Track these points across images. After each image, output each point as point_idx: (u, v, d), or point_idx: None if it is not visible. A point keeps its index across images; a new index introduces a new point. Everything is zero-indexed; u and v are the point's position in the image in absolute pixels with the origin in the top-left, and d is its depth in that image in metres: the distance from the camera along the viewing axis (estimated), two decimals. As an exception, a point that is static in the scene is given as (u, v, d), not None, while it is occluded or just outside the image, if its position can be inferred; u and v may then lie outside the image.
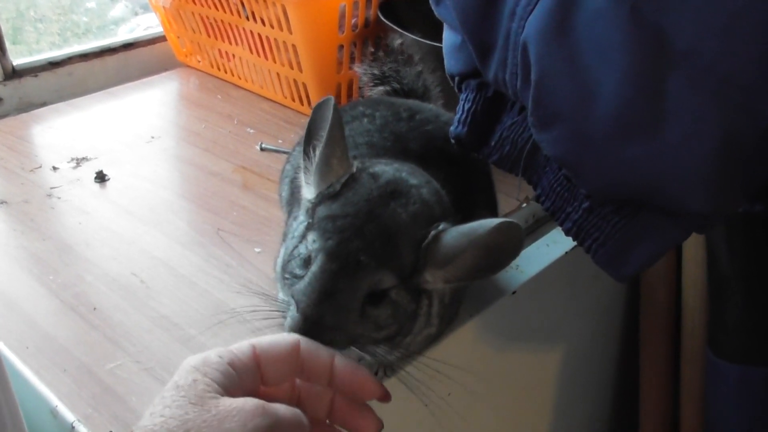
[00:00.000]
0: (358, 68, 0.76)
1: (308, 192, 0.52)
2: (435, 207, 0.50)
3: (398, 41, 0.75)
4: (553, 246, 0.76)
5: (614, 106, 0.44)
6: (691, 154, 0.44)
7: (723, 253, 0.79)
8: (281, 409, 0.40)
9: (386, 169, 0.51)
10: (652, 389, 0.96)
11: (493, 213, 0.67)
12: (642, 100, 0.44)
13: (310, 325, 0.46)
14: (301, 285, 0.47)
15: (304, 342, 0.43)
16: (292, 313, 0.47)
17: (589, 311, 0.89)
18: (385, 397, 0.45)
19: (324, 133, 0.50)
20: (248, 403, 0.39)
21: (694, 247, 0.85)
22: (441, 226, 0.48)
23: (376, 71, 0.76)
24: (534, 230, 0.80)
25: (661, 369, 0.94)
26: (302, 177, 0.53)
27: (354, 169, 0.51)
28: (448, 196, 0.54)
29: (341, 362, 0.44)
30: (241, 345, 0.42)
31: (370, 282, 0.46)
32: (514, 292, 0.70)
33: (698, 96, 0.43)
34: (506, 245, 0.47)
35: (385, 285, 0.47)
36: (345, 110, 0.65)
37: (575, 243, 0.54)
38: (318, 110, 0.51)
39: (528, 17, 0.46)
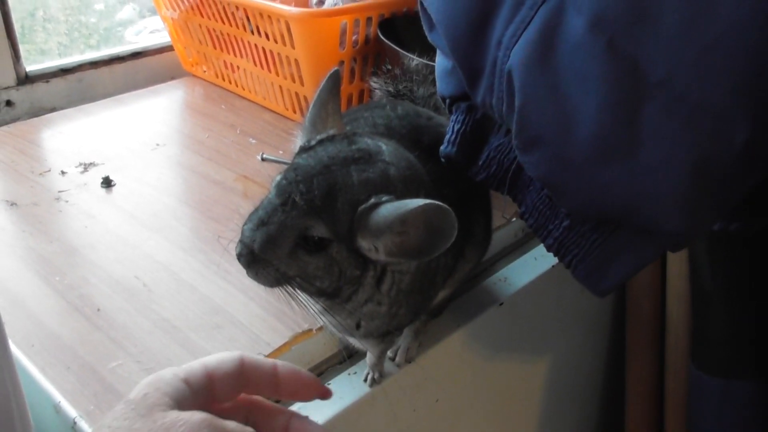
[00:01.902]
0: (373, 83, 0.78)
1: (294, 146, 0.56)
2: (394, 184, 0.50)
3: (414, 62, 0.78)
4: (540, 259, 0.79)
5: (592, 132, 0.47)
6: (666, 178, 0.47)
7: (705, 267, 0.81)
8: (230, 425, 0.41)
9: (368, 140, 0.53)
10: (637, 401, 0.98)
11: (488, 219, 0.68)
12: (618, 126, 0.47)
13: (245, 249, 0.50)
14: (257, 209, 0.51)
15: (247, 356, 0.46)
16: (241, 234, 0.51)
17: (575, 323, 0.92)
18: (327, 393, 0.48)
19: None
20: (196, 415, 0.40)
21: (678, 262, 0.87)
22: (384, 198, 0.49)
23: (390, 88, 0.78)
24: (523, 244, 0.83)
25: (646, 381, 0.96)
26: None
27: (335, 132, 0.54)
28: (446, 193, 0.55)
29: (283, 367, 0.46)
30: (191, 364, 0.44)
31: (300, 224, 0.49)
32: (501, 304, 0.73)
33: (672, 123, 0.46)
34: (439, 226, 0.47)
35: (315, 232, 0.49)
36: (371, 103, 0.67)
37: (559, 258, 0.57)
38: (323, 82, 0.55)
39: (513, 47, 0.49)
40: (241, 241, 0.51)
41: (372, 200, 0.49)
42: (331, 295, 0.52)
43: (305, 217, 0.49)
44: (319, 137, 0.53)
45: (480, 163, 0.58)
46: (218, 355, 0.45)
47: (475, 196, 0.66)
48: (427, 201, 0.46)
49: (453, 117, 0.59)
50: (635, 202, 0.49)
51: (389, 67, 0.79)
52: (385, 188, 0.50)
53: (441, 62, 0.60)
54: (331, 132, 0.54)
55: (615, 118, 0.47)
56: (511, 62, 0.49)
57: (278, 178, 0.52)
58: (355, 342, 0.61)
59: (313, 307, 0.55)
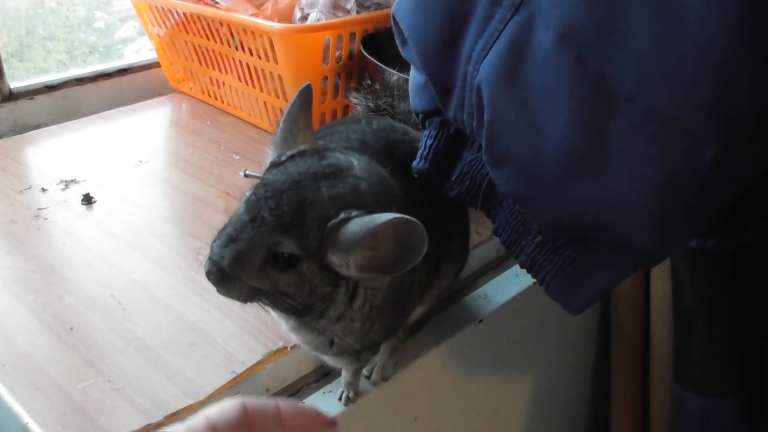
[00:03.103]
0: (354, 98, 0.78)
1: (265, 162, 0.55)
2: (365, 199, 0.50)
3: (395, 77, 0.78)
4: (522, 276, 0.78)
5: (561, 147, 0.47)
6: (635, 195, 0.47)
7: (687, 286, 0.81)
8: None
9: (339, 156, 0.53)
10: (622, 419, 0.97)
11: (464, 234, 0.68)
12: (587, 142, 0.46)
13: (214, 266, 0.49)
14: (226, 226, 0.51)
15: (249, 401, 0.45)
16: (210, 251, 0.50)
17: (559, 341, 0.91)
18: (333, 423, 0.47)
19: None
20: None
21: (661, 279, 0.87)
22: (353, 213, 0.48)
23: (371, 104, 0.78)
24: (504, 260, 0.82)
25: (631, 399, 0.95)
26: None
27: (306, 147, 0.53)
28: (420, 208, 0.54)
29: (287, 406, 0.46)
30: (193, 418, 0.43)
31: (269, 240, 0.48)
32: (481, 321, 0.72)
33: (640, 139, 0.45)
34: (409, 240, 0.47)
35: (284, 249, 0.48)
36: (347, 118, 0.67)
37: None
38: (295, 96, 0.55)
39: (482, 61, 0.49)
40: (210, 258, 0.50)
41: (342, 215, 0.48)
42: (302, 312, 0.52)
43: (274, 233, 0.48)
44: (289, 153, 0.53)
45: (453, 178, 0.57)
46: (219, 405, 0.44)
47: (452, 212, 0.65)
48: (397, 215, 0.46)
49: (426, 132, 0.58)
50: (605, 218, 0.48)
51: (369, 82, 0.79)
52: (356, 203, 0.49)
53: (414, 77, 0.59)
54: (302, 147, 0.53)
55: (583, 133, 0.46)
56: (480, 76, 0.49)
57: (248, 194, 0.51)
58: (329, 360, 0.60)
59: (285, 324, 0.54)
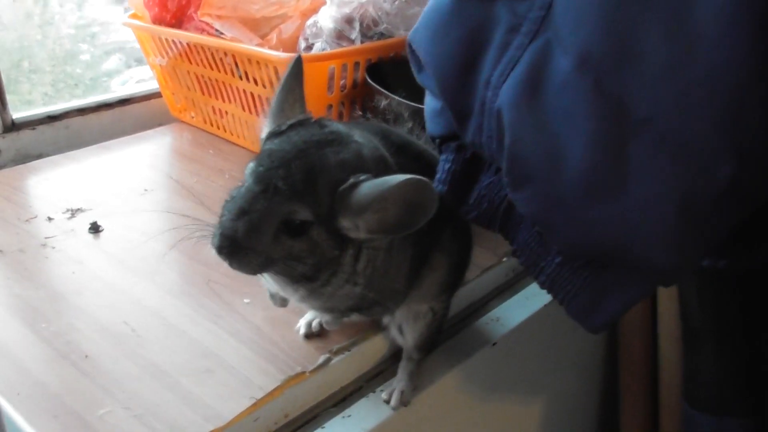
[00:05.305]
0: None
1: (262, 134, 0.57)
2: (368, 163, 0.52)
3: (384, 102, 0.79)
4: (532, 299, 0.79)
5: (580, 169, 0.48)
6: (654, 214, 0.48)
7: (694, 306, 0.82)
8: None
9: (338, 125, 0.55)
10: (631, 439, 0.97)
11: (455, 228, 0.66)
12: (606, 164, 0.48)
13: (226, 240, 0.50)
14: (228, 204, 0.52)
15: None
16: (216, 230, 0.51)
17: (568, 363, 0.91)
18: None
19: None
20: None
21: (668, 300, 0.88)
22: (362, 177, 0.50)
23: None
24: (514, 283, 0.83)
25: (640, 420, 0.96)
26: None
27: (304, 117, 0.55)
28: None
29: None
30: None
31: (284, 209, 0.50)
32: (494, 344, 0.73)
33: (657, 160, 0.47)
34: (418, 201, 0.49)
35: (299, 216, 0.50)
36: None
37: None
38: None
39: (502, 86, 0.50)
40: (221, 233, 0.51)
41: (351, 180, 0.50)
42: (311, 278, 0.53)
43: (288, 201, 0.50)
44: (289, 122, 0.55)
45: (471, 201, 0.59)
46: None
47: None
48: (408, 176, 0.48)
49: (443, 157, 0.60)
50: (624, 238, 0.49)
51: (359, 112, 0.81)
52: (361, 168, 0.51)
53: (430, 103, 0.61)
54: (301, 117, 0.55)
55: (602, 155, 0.48)
56: (500, 101, 0.50)
57: (252, 165, 0.53)
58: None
59: (294, 296, 0.56)
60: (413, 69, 0.59)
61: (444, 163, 0.59)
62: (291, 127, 0.54)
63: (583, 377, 0.98)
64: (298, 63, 0.57)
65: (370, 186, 0.50)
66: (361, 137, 0.55)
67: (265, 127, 0.57)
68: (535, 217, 0.52)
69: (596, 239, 0.50)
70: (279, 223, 0.50)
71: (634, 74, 0.46)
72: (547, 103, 0.48)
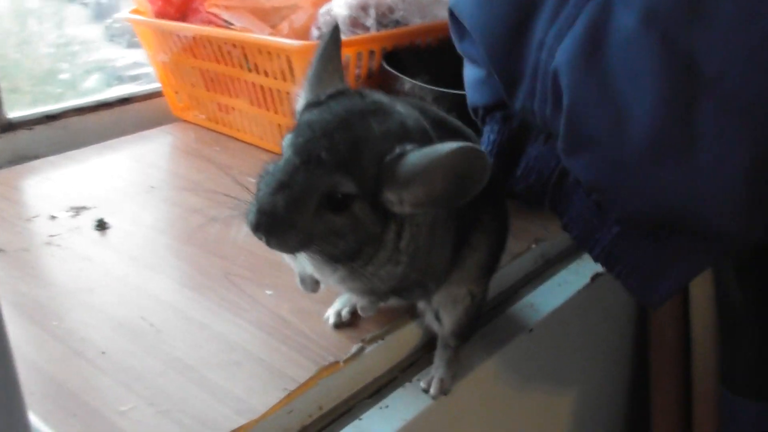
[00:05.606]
0: None
1: (298, 105, 0.53)
2: (413, 133, 0.49)
3: (408, 86, 0.77)
4: (564, 285, 0.77)
5: (646, 130, 0.45)
6: (722, 176, 0.45)
7: (734, 289, 0.79)
8: None
9: (381, 96, 0.52)
10: (664, 428, 0.95)
11: (497, 209, 0.62)
12: (673, 124, 0.45)
13: (264, 217, 0.46)
14: (266, 177, 0.48)
15: None
16: (252, 205, 0.47)
17: (600, 350, 0.89)
18: None
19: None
20: None
21: (701, 285, 0.86)
22: (408, 147, 0.47)
23: None
24: (543, 270, 0.80)
25: (672, 407, 0.93)
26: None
27: (343, 87, 0.52)
28: None
29: None
30: None
31: (328, 181, 0.46)
32: (531, 330, 0.70)
33: (727, 119, 0.45)
34: (469, 170, 0.46)
35: (342, 189, 0.47)
36: None
37: (585, 282, 0.54)
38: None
39: (558, 47, 0.48)
40: (258, 210, 0.47)
41: (397, 150, 0.47)
42: (352, 257, 0.50)
43: (333, 173, 0.47)
44: (328, 92, 0.51)
45: (518, 173, 0.56)
46: None
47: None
48: (461, 143, 0.45)
49: (487, 128, 0.57)
50: (691, 203, 0.47)
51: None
52: (406, 138, 0.48)
53: (472, 72, 0.58)
54: (340, 87, 0.52)
55: (670, 114, 0.45)
56: (556, 62, 0.48)
57: (290, 137, 0.49)
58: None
59: (332, 276, 0.53)
60: (453, 38, 0.57)
61: (489, 134, 0.56)
62: (331, 97, 0.51)
63: (615, 364, 0.95)
64: (336, 31, 0.54)
65: (418, 155, 0.46)
66: (403, 106, 0.52)
67: (301, 99, 0.54)
68: (594, 184, 0.49)
69: (661, 204, 0.47)
70: (320, 197, 0.47)
71: (705, 28, 0.44)
72: (609, 62, 0.46)
